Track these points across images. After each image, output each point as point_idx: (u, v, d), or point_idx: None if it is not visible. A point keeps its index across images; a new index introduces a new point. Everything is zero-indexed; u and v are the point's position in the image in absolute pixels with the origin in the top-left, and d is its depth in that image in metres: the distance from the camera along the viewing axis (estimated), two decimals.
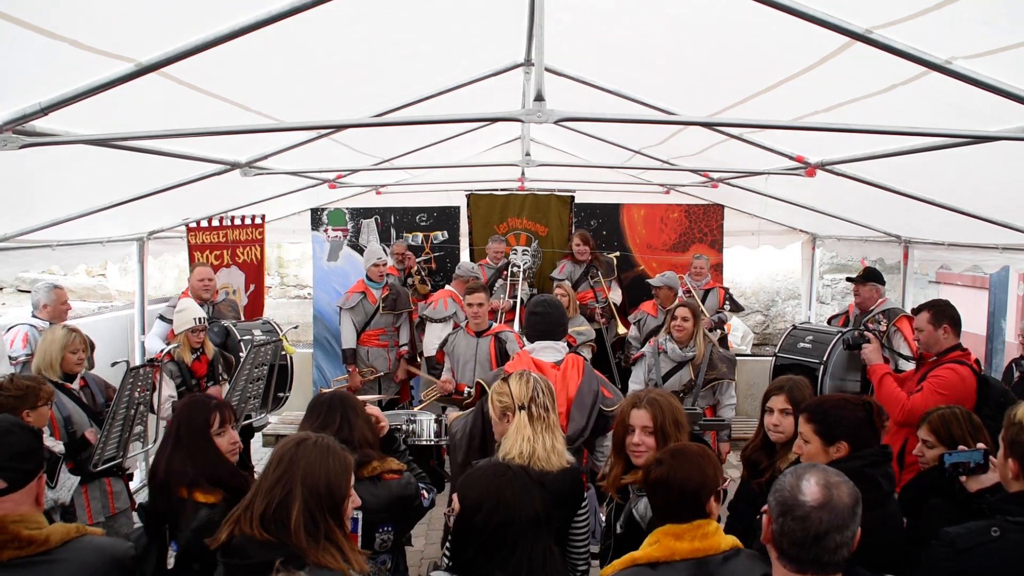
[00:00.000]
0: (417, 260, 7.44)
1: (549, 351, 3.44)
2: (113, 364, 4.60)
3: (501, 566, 1.98)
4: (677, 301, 5.42)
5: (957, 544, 2.20)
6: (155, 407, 4.28)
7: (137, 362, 6.06)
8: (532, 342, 3.54)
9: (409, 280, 7.27)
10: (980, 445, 2.65)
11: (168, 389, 4.52)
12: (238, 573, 1.88)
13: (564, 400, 3.33)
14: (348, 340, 6.67)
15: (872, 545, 2.41)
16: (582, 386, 3.33)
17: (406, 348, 6.84)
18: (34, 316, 4.96)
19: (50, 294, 4.96)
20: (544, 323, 3.52)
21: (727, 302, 6.97)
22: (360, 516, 2.53)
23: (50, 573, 1.86)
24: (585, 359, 3.55)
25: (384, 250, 7.01)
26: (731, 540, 2.03)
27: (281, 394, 5.46)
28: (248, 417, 4.43)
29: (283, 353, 5.37)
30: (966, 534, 2.21)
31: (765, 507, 1.74)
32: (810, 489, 1.66)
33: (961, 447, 2.69)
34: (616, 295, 7.28)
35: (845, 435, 2.52)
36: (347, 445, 2.55)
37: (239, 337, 5.43)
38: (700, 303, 6.59)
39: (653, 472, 2.14)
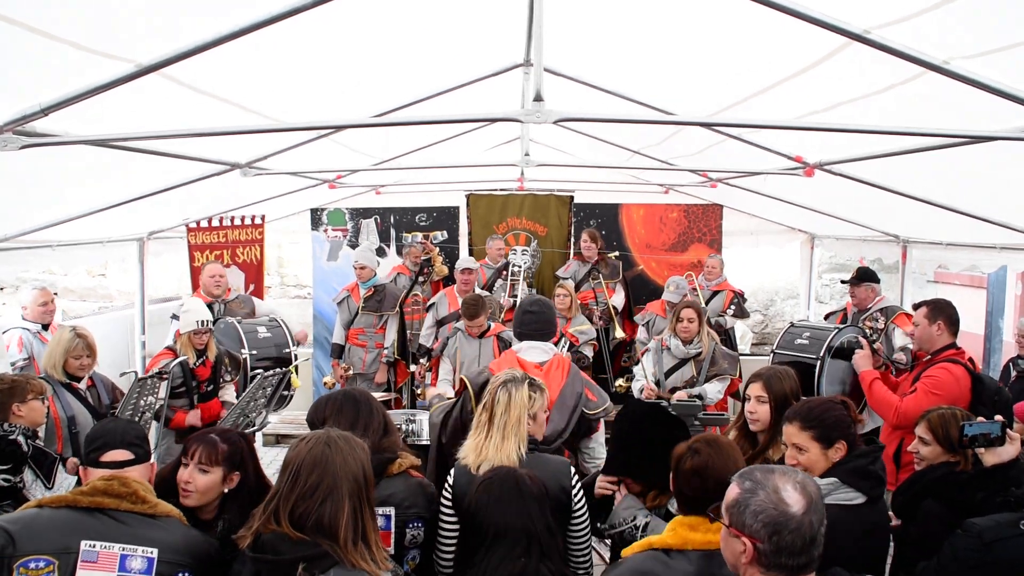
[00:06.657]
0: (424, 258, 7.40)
1: (536, 351, 3.42)
2: (121, 375, 4.60)
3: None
4: (682, 301, 5.43)
5: (984, 536, 2.21)
6: (159, 415, 4.29)
7: (138, 363, 6.08)
8: (520, 341, 3.51)
9: (425, 270, 7.22)
10: (998, 417, 2.65)
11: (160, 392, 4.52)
12: (269, 569, 1.89)
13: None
14: (336, 336, 6.92)
15: (870, 546, 2.42)
16: (565, 388, 3.30)
17: (388, 351, 6.82)
18: (23, 318, 4.99)
19: (30, 295, 4.99)
20: (537, 322, 3.51)
21: (732, 306, 6.85)
22: (393, 513, 2.53)
23: (149, 529, 2.13)
24: (572, 362, 3.53)
25: (365, 252, 7.00)
26: None
27: (286, 392, 5.43)
28: (250, 425, 4.45)
29: (289, 352, 5.37)
30: (994, 527, 2.23)
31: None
32: (793, 498, 1.63)
33: (980, 418, 2.70)
34: (618, 299, 7.24)
35: (843, 435, 2.50)
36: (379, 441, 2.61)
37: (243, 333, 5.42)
38: (703, 302, 6.60)
39: (689, 461, 2.17)
